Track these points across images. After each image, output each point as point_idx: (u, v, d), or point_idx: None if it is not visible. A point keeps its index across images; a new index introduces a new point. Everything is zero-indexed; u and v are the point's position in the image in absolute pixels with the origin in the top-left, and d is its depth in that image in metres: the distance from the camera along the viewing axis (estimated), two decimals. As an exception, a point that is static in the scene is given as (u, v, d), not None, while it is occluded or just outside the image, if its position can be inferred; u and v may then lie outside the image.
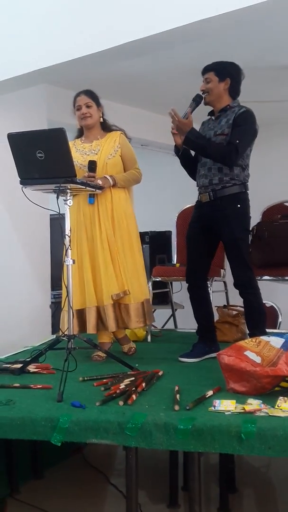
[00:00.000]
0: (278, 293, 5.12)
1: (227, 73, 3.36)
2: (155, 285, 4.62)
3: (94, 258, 3.48)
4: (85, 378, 2.92)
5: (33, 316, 4.83)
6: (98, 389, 2.74)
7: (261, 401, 2.38)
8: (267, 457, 2.80)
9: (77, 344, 2.99)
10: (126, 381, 2.75)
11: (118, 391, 2.60)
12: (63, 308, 3.32)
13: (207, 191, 3.40)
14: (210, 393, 2.56)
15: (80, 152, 3.57)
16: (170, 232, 5.70)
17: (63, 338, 3.01)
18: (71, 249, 3.11)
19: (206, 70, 3.39)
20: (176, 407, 2.38)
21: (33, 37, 4.00)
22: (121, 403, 2.45)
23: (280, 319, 4.61)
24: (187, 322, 4.06)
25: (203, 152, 3.38)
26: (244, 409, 2.32)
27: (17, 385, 2.85)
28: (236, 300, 3.80)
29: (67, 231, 3.04)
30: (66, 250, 3.01)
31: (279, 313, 4.63)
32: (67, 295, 3.02)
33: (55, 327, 5.11)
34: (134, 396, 2.51)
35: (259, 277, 3.72)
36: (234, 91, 3.41)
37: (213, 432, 2.16)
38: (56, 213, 2.98)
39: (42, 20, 3.94)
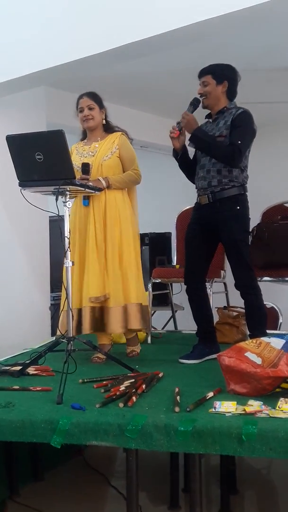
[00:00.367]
0: (279, 294, 5.11)
1: (224, 76, 3.36)
2: (155, 286, 4.62)
3: (84, 259, 3.46)
4: (85, 380, 2.91)
5: (33, 318, 4.82)
6: (98, 391, 2.72)
7: (262, 403, 2.37)
8: (268, 458, 2.79)
9: (76, 346, 2.98)
10: (126, 383, 2.74)
11: (118, 393, 2.59)
12: (62, 309, 3.32)
13: (206, 193, 3.40)
14: (210, 394, 2.55)
15: (79, 155, 3.58)
16: (170, 233, 5.70)
17: (63, 340, 3.01)
18: (70, 251, 3.11)
19: (202, 73, 3.39)
20: (177, 409, 2.37)
21: (33, 39, 4.00)
22: (121, 405, 2.45)
23: (280, 320, 4.60)
24: (187, 323, 4.05)
25: (208, 150, 3.37)
26: (245, 410, 2.31)
27: (17, 387, 2.84)
28: (236, 301, 3.80)
29: (67, 233, 3.03)
30: (65, 252, 3.01)
31: (279, 314, 4.62)
32: (66, 297, 3.02)
33: (55, 329, 5.11)
34: (134, 398, 2.50)
35: (259, 278, 3.72)
36: (231, 93, 3.41)
37: (214, 433, 2.15)
38: (55, 215, 2.97)
39: (42, 22, 3.95)
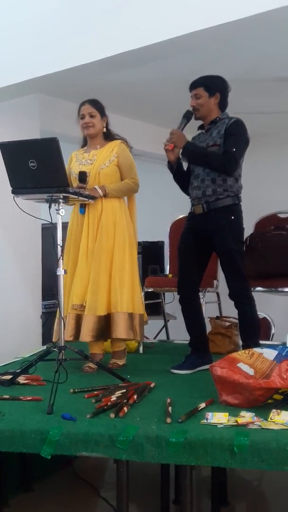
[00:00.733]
0: (271, 304, 5.11)
1: (216, 88, 3.38)
2: (148, 295, 4.60)
3: (76, 267, 3.47)
4: (76, 390, 2.89)
5: (24, 326, 4.79)
6: (89, 401, 2.70)
7: (254, 414, 2.35)
8: (259, 470, 2.77)
9: (68, 355, 2.96)
10: (118, 393, 2.72)
11: (109, 403, 2.57)
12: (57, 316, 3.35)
13: (201, 202, 3.40)
14: (202, 405, 2.53)
15: (78, 162, 3.59)
16: (162, 242, 5.69)
17: (54, 349, 2.98)
18: (65, 258, 3.17)
19: (194, 85, 3.39)
20: (168, 420, 2.35)
21: (27, 46, 4.00)
22: (112, 415, 2.42)
23: (273, 331, 4.60)
24: (180, 333, 4.04)
25: (202, 161, 3.37)
26: (237, 421, 2.29)
27: (7, 396, 2.81)
28: (229, 311, 3.79)
29: (59, 241, 3.01)
30: (58, 260, 2.99)
31: (272, 325, 4.62)
32: (58, 305, 3.00)
33: (46, 337, 5.08)
34: (125, 409, 2.48)
35: (252, 289, 3.71)
36: (223, 104, 3.43)
37: (206, 445, 2.14)
38: (48, 222, 2.96)
39: (36, 30, 3.95)
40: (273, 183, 6.54)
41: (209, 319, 4.16)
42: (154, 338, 5.26)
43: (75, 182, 3.52)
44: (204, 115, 3.41)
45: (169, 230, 4.92)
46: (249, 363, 2.66)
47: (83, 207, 3.47)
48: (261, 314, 4.13)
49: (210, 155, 3.32)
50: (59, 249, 3.00)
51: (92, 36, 3.67)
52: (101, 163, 3.52)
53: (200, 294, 3.80)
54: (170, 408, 2.49)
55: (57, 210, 3.00)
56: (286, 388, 2.44)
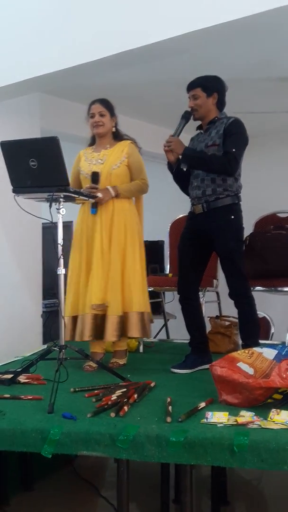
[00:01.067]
0: (271, 303, 5.11)
1: (214, 87, 3.38)
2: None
3: (90, 267, 3.48)
4: (77, 389, 2.89)
5: (24, 325, 4.79)
6: (89, 400, 2.71)
7: (254, 413, 2.35)
8: (259, 469, 2.78)
9: (68, 355, 2.97)
10: (118, 392, 2.72)
11: (109, 403, 2.57)
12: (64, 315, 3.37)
13: (201, 202, 3.40)
14: (202, 404, 2.54)
15: (88, 161, 3.60)
16: (162, 241, 5.69)
17: (55, 348, 2.99)
18: (73, 256, 3.33)
19: (191, 86, 3.39)
20: (168, 419, 2.35)
21: (27, 45, 4.00)
22: (112, 414, 2.43)
23: (272, 330, 4.61)
24: (180, 332, 4.04)
25: (202, 165, 3.36)
26: (236, 421, 2.30)
27: (7, 396, 2.82)
28: (229, 310, 3.79)
29: (60, 240, 3.02)
30: (58, 259, 2.99)
31: (271, 324, 4.63)
32: (59, 305, 3.01)
33: (46, 336, 5.09)
34: (125, 408, 2.49)
35: (252, 288, 3.71)
36: (221, 104, 3.43)
37: (206, 444, 2.14)
38: (48, 222, 2.96)
39: (36, 29, 3.95)
40: (273, 183, 6.54)
41: (209, 318, 4.17)
42: (154, 337, 5.26)
43: (84, 181, 3.55)
44: (203, 115, 3.42)
45: (169, 229, 4.93)
46: (248, 363, 2.66)
47: (94, 207, 3.48)
48: (260, 313, 4.14)
49: (210, 159, 3.32)
50: (60, 248, 3.00)
51: (92, 35, 3.67)
52: (112, 164, 3.53)
53: (200, 293, 3.80)
54: (170, 408, 2.49)
55: (57, 209, 3.00)
56: (286, 387, 2.44)
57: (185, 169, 3.41)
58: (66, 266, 3.07)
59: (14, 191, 3.03)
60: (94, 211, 3.49)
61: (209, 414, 2.36)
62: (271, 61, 4.49)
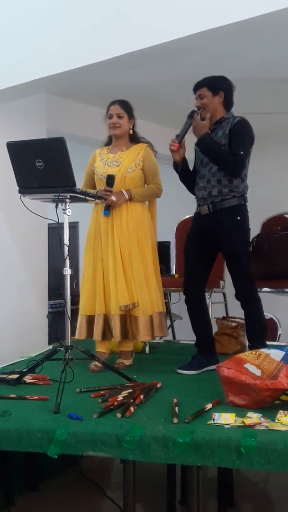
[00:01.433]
0: (278, 305, 5.08)
1: (220, 86, 3.38)
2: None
3: (106, 268, 3.51)
4: (83, 390, 2.89)
5: (30, 326, 4.79)
6: (95, 400, 2.70)
7: (261, 415, 2.35)
8: (266, 471, 2.77)
9: (74, 355, 2.96)
10: (124, 393, 2.72)
11: (116, 403, 2.56)
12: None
13: (206, 203, 3.39)
14: (209, 406, 2.52)
15: (103, 162, 3.60)
16: (169, 242, 5.67)
17: (60, 348, 2.98)
18: (86, 256, 3.44)
19: (198, 86, 3.40)
20: (175, 420, 2.34)
21: (33, 46, 4.00)
22: (119, 415, 2.42)
23: (279, 332, 4.58)
24: (186, 333, 4.03)
25: (213, 156, 3.34)
26: (243, 422, 2.29)
27: (13, 396, 2.82)
28: (236, 311, 3.78)
29: (66, 241, 3.01)
30: (65, 260, 2.99)
31: (278, 326, 4.60)
32: (65, 305, 3.00)
33: (52, 337, 5.08)
34: (132, 408, 2.48)
35: (259, 289, 3.70)
36: (227, 104, 3.42)
37: (212, 445, 2.13)
38: (54, 222, 2.96)
39: (43, 30, 3.95)
40: (280, 184, 6.52)
41: (215, 319, 4.15)
42: (160, 338, 5.26)
43: (98, 182, 3.57)
44: (209, 115, 3.41)
45: (175, 230, 4.92)
46: (256, 364, 2.65)
47: (107, 209, 3.49)
48: (267, 314, 4.12)
49: (222, 155, 3.30)
50: (66, 249, 2.99)
51: (98, 36, 3.66)
52: (127, 167, 3.54)
53: (207, 294, 3.79)
54: (176, 409, 2.48)
55: (63, 209, 3.00)
56: (293, 389, 2.43)
57: (191, 168, 3.38)
58: (72, 266, 3.06)
59: (20, 191, 3.03)
60: (106, 213, 3.50)
61: (216, 415, 2.35)
62: (278, 61, 4.48)
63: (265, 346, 3.16)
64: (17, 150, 2.99)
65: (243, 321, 3.54)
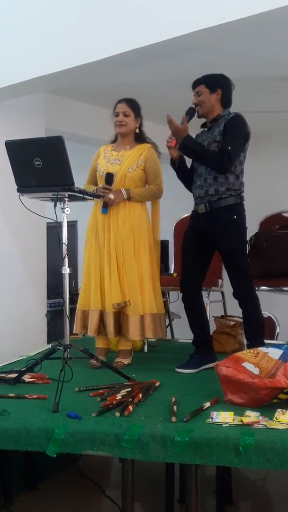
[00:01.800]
0: (276, 303, 5.09)
1: (217, 84, 3.38)
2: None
3: (103, 264, 3.52)
4: (81, 389, 2.89)
5: (29, 325, 4.79)
6: (94, 399, 2.70)
7: (259, 413, 2.35)
8: (264, 469, 2.77)
9: (73, 354, 2.96)
10: (123, 392, 2.72)
11: (114, 402, 2.57)
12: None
13: (203, 202, 3.40)
14: (207, 404, 2.53)
15: (106, 159, 3.62)
16: (167, 241, 5.67)
17: (59, 347, 2.99)
18: (85, 252, 3.45)
19: (196, 83, 3.41)
20: (173, 419, 2.35)
21: (32, 45, 4.00)
22: (117, 414, 2.42)
23: (277, 330, 4.59)
24: (184, 332, 4.03)
25: (199, 158, 3.38)
26: (242, 421, 2.29)
27: (12, 395, 2.82)
28: (234, 310, 3.78)
29: (65, 240, 3.01)
30: (63, 259, 2.99)
31: (276, 324, 4.61)
32: (64, 304, 3.00)
33: (51, 336, 5.09)
34: (130, 407, 2.48)
35: (257, 288, 3.70)
36: (225, 101, 3.42)
37: (211, 444, 2.13)
38: (53, 221, 2.96)
39: (41, 28, 3.94)
40: (278, 182, 6.53)
41: (214, 318, 4.16)
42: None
43: (99, 179, 3.59)
44: (206, 112, 3.41)
45: (174, 229, 4.91)
46: (254, 363, 2.66)
47: (105, 207, 3.50)
48: (265, 313, 4.12)
49: (206, 154, 3.32)
50: (65, 248, 2.99)
51: (98, 35, 3.66)
52: (128, 166, 3.55)
53: (205, 293, 3.79)
54: (175, 407, 2.49)
55: (62, 208, 3.00)
56: (292, 387, 2.43)
57: (189, 166, 3.38)
58: (70, 265, 3.07)
59: (19, 190, 3.03)
60: (104, 210, 3.51)
61: (214, 414, 2.36)
62: (277, 60, 4.48)
63: (263, 344, 3.17)
64: (15, 149, 2.99)
65: (242, 320, 3.54)
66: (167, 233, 5.21)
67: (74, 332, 3.60)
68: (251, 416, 2.34)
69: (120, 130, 3.62)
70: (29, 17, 4.02)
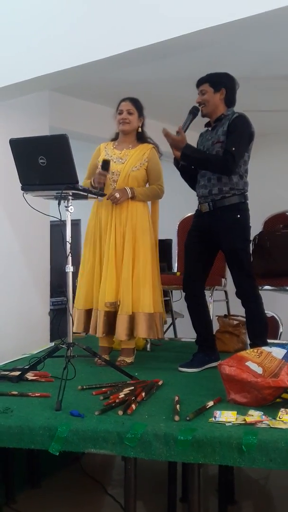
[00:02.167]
0: (279, 303, 5.09)
1: (221, 83, 3.38)
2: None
3: (102, 263, 3.53)
4: (84, 387, 2.89)
5: (32, 323, 4.80)
6: (97, 398, 2.70)
7: (263, 413, 2.35)
8: (267, 469, 2.77)
9: (76, 352, 2.96)
10: (126, 390, 2.72)
11: (117, 400, 2.57)
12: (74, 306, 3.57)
13: (207, 201, 3.40)
14: (210, 403, 2.53)
15: (108, 157, 3.61)
16: (170, 240, 5.68)
17: (62, 345, 2.99)
18: (85, 250, 3.45)
19: (200, 82, 3.41)
20: (176, 418, 2.35)
21: (36, 43, 4.00)
22: (120, 412, 2.42)
23: (281, 330, 4.58)
24: (187, 331, 4.03)
25: (201, 165, 3.40)
26: (245, 420, 2.29)
27: (15, 393, 2.82)
28: (237, 309, 3.78)
29: (68, 238, 3.01)
30: (67, 257, 2.99)
31: (280, 324, 4.61)
32: (67, 303, 3.01)
33: (54, 334, 5.09)
34: (133, 406, 2.48)
35: (260, 287, 3.70)
36: (229, 101, 3.42)
37: (214, 443, 2.13)
38: (56, 219, 2.95)
39: (45, 27, 3.94)
40: (282, 182, 6.52)
41: (217, 317, 4.16)
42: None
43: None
44: (210, 111, 3.41)
45: (177, 228, 4.91)
46: (257, 362, 2.65)
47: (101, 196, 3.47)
48: (269, 312, 4.13)
49: (208, 159, 3.33)
50: (68, 246, 2.99)
51: (102, 33, 3.66)
52: (132, 165, 3.56)
53: (208, 292, 3.79)
54: (178, 406, 2.49)
55: (66, 207, 3.00)
56: (295, 387, 2.43)
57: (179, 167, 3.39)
58: (74, 263, 3.07)
59: (23, 188, 3.04)
60: (100, 198, 3.46)
61: (217, 413, 2.35)
62: (280, 59, 4.47)
63: (267, 344, 3.17)
64: (19, 147, 2.99)
65: (245, 319, 3.54)
66: (170, 232, 5.22)
67: (75, 331, 3.59)
68: (254, 415, 2.33)
69: (123, 128, 3.62)
70: (33, 15, 4.02)
